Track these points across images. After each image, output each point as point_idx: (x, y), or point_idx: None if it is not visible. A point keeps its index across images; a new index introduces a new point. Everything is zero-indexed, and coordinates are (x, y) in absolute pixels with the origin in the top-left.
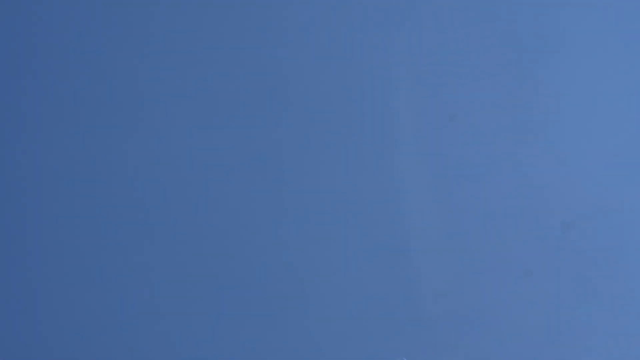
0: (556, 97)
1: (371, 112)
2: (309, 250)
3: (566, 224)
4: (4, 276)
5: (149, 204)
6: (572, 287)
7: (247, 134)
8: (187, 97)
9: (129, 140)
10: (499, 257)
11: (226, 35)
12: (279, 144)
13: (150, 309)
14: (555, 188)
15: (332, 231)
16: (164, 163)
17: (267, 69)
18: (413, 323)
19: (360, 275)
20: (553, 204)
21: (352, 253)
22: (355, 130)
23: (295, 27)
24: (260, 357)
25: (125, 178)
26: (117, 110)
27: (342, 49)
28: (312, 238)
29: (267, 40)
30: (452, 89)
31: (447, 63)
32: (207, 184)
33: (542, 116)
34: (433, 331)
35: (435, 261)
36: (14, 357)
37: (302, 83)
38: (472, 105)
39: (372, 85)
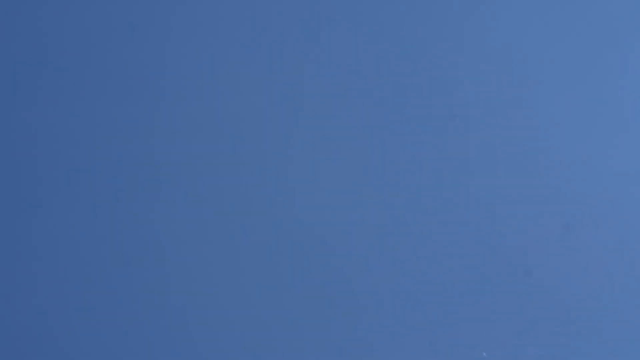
0: (556, 97)
1: (371, 111)
2: (314, 253)
3: (566, 224)
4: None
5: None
6: (572, 287)
7: (247, 136)
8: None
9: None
10: (499, 257)
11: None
12: (280, 144)
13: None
14: (555, 188)
15: (330, 231)
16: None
17: (273, 68)
18: (413, 322)
19: (359, 274)
20: (553, 204)
21: (351, 252)
22: (356, 130)
23: (300, 27)
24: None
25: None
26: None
27: (342, 50)
28: (316, 239)
29: (272, 40)
30: (452, 89)
31: (447, 63)
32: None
33: (542, 116)
34: (433, 330)
35: (435, 261)
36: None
37: (303, 83)
38: (472, 105)
39: (372, 85)
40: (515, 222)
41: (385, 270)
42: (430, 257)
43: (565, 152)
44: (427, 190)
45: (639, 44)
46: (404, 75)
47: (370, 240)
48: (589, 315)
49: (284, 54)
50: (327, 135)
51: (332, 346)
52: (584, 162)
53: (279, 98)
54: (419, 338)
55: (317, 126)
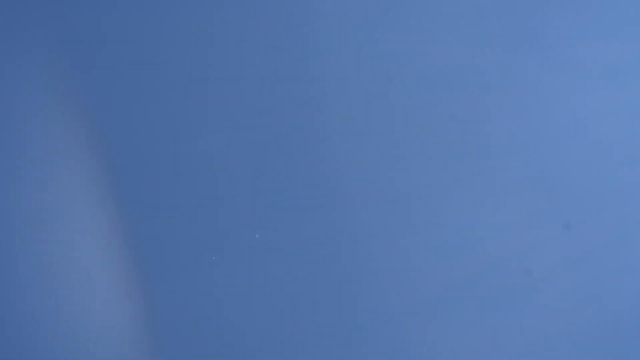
0: (556, 96)
1: (371, 111)
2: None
3: (566, 224)
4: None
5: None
6: (571, 287)
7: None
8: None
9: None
10: (499, 257)
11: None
12: (281, 146)
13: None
14: (556, 188)
15: (331, 235)
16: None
17: (269, 68)
18: (414, 323)
19: (362, 277)
20: (553, 204)
21: (352, 254)
22: (356, 130)
23: (297, 27)
24: None
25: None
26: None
27: (343, 49)
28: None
29: (269, 40)
30: (452, 89)
31: (447, 63)
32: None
33: (542, 116)
34: (433, 330)
35: (435, 260)
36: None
37: (302, 84)
38: (472, 105)
39: (371, 85)
40: (515, 222)
41: (384, 268)
42: (429, 256)
43: (565, 152)
44: (427, 189)
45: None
46: (404, 75)
47: (369, 238)
48: (588, 315)
49: (283, 54)
50: (326, 134)
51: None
52: (584, 162)
53: (278, 98)
54: (421, 338)
55: (317, 126)
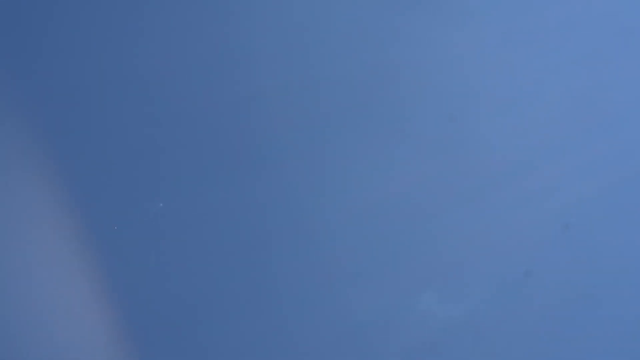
0: (555, 95)
1: (371, 111)
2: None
3: (566, 224)
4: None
5: None
6: (571, 287)
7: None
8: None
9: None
10: (499, 257)
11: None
12: (285, 146)
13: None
14: (555, 188)
15: (335, 227)
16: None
17: (272, 69)
18: (414, 323)
19: (363, 285)
20: (553, 204)
21: (356, 259)
22: (356, 130)
23: (300, 25)
24: None
25: None
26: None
27: (343, 50)
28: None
29: (270, 39)
30: (452, 89)
31: (447, 63)
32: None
33: (541, 116)
34: (433, 331)
35: (435, 260)
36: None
37: (307, 85)
38: (472, 106)
39: (371, 85)
40: (515, 222)
41: (386, 267)
42: (429, 256)
43: (565, 152)
44: (427, 189)
45: (638, 47)
46: (404, 77)
47: (370, 240)
48: (588, 315)
49: (290, 55)
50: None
51: None
52: (584, 162)
53: (283, 95)
54: (421, 338)
55: (319, 128)
